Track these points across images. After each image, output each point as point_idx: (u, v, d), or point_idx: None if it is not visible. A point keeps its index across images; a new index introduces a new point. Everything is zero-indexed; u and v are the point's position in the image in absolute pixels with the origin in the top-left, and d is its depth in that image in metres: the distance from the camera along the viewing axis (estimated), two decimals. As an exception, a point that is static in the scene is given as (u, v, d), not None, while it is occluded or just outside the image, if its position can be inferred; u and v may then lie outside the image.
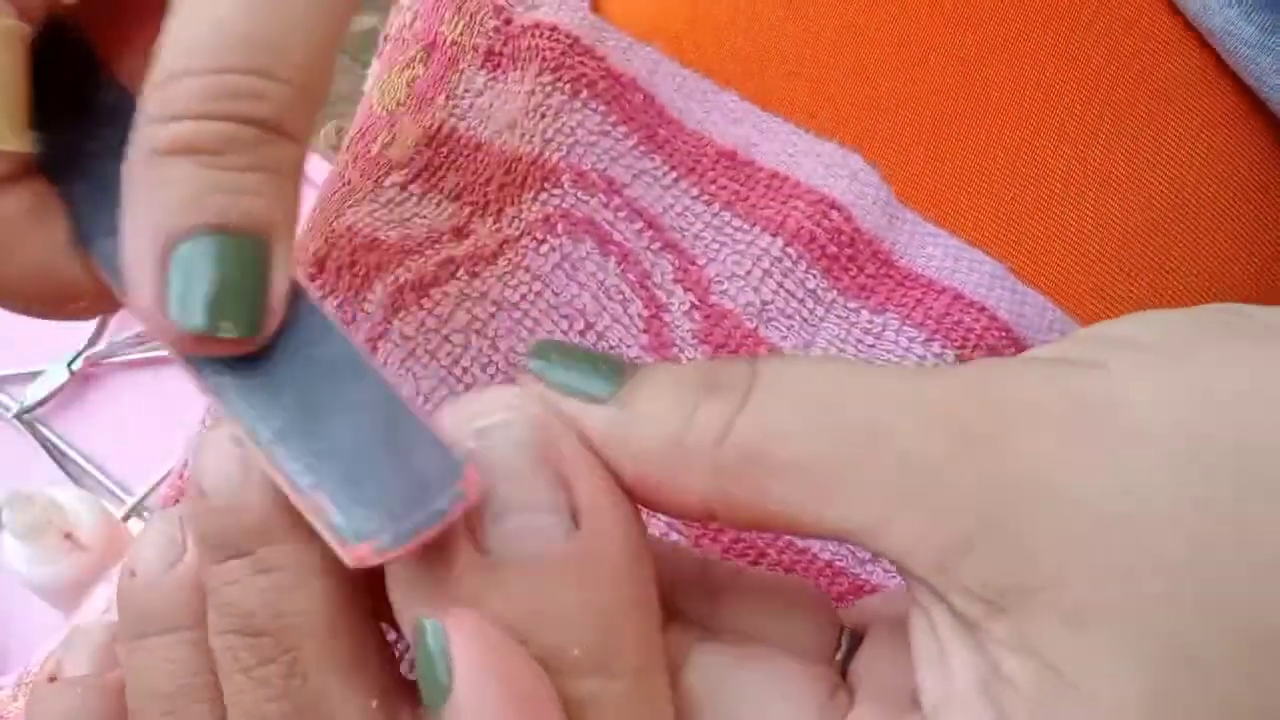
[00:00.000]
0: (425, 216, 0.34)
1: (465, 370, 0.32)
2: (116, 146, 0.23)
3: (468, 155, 0.35)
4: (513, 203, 0.34)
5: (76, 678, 0.26)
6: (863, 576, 0.32)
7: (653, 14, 0.37)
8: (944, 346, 0.33)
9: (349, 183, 0.34)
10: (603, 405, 0.21)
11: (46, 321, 0.27)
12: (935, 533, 0.20)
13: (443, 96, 0.35)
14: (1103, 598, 0.19)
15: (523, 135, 0.35)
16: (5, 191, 0.25)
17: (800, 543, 0.32)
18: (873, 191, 0.35)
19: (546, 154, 0.35)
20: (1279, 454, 0.19)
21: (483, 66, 0.36)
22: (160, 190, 0.22)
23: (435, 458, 0.21)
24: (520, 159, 0.34)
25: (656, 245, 0.34)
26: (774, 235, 0.34)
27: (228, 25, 0.22)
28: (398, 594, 0.22)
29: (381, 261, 0.32)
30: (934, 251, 0.35)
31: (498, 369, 0.32)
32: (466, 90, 0.36)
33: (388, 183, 0.34)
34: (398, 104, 0.35)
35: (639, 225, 0.34)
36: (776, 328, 0.34)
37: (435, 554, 0.21)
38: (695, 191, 0.35)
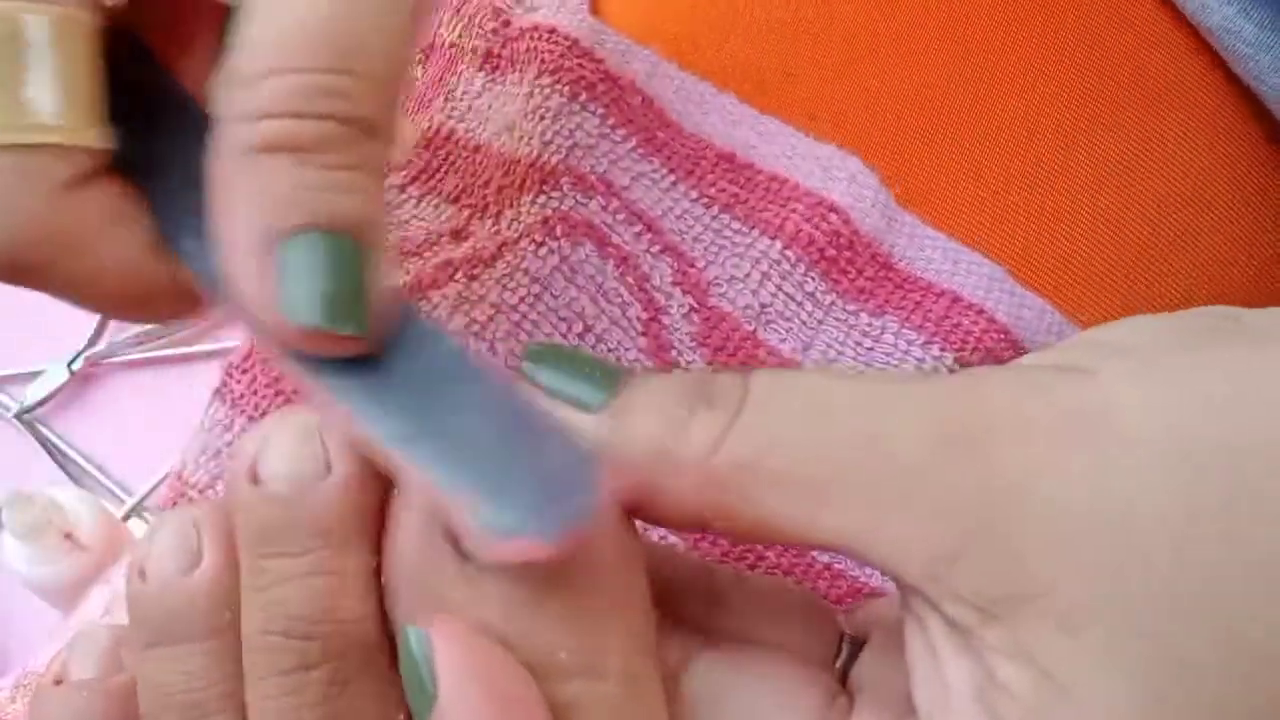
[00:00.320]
0: (423, 219, 0.34)
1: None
2: (190, 146, 0.23)
3: (466, 157, 0.35)
4: (511, 205, 0.34)
5: (82, 681, 0.25)
6: (862, 579, 0.32)
7: (652, 16, 0.37)
8: (943, 349, 0.33)
9: (347, 185, 0.34)
10: (594, 414, 0.22)
11: (46, 322, 0.27)
12: (926, 541, 0.20)
13: (441, 98, 0.35)
14: (1094, 602, 0.19)
15: (521, 137, 0.35)
16: (85, 190, 0.24)
17: (799, 545, 0.32)
18: (871, 194, 0.35)
19: (545, 156, 0.34)
20: (1268, 457, 0.19)
21: (481, 68, 0.36)
22: (260, 188, 0.22)
23: (567, 451, 0.21)
24: (519, 161, 0.34)
25: (655, 248, 0.34)
26: (773, 238, 0.34)
27: (311, 25, 0.22)
28: (387, 603, 0.22)
29: (380, 264, 0.32)
30: (933, 254, 0.35)
31: (496, 371, 0.32)
32: (465, 92, 0.36)
33: (386, 184, 0.34)
34: (396, 106, 0.35)
35: (638, 228, 0.34)
36: (775, 330, 0.34)
37: (420, 563, 0.21)
38: (694, 194, 0.35)
